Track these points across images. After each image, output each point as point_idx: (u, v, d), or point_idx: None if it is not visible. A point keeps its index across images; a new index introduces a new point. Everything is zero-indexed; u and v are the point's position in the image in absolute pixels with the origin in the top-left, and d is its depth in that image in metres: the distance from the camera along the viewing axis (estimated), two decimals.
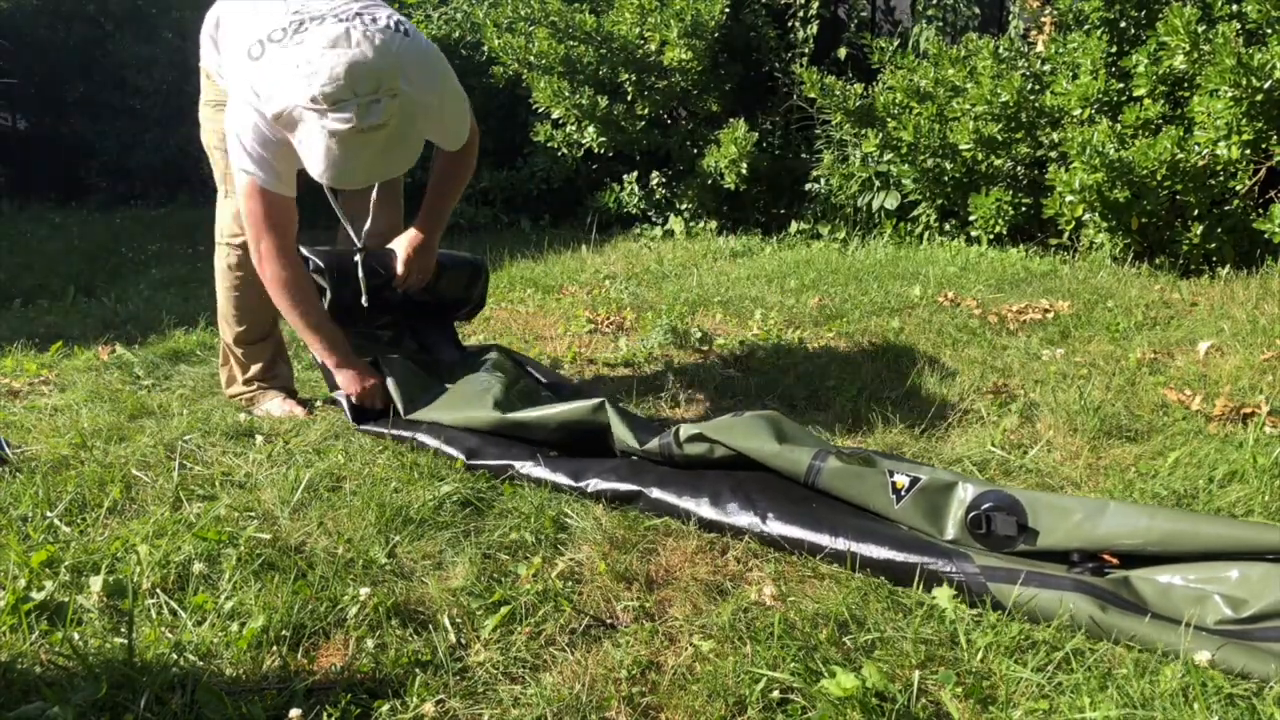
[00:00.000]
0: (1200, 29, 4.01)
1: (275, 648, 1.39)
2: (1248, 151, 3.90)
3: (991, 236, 4.85)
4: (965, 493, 1.71)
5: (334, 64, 1.91)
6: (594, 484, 1.94)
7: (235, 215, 2.36)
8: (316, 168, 1.99)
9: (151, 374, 2.94)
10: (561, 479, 1.97)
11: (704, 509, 1.81)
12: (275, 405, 2.55)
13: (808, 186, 5.70)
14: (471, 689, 1.32)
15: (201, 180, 7.91)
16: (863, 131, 5.20)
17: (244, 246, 2.33)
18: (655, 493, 1.87)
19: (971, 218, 4.85)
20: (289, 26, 2.06)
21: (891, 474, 1.77)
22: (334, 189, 2.29)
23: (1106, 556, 1.57)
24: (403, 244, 2.54)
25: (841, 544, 1.64)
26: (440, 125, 2.30)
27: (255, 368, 2.59)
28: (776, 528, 1.72)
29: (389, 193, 2.69)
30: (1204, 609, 1.43)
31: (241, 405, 2.58)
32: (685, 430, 1.97)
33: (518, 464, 2.03)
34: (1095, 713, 1.22)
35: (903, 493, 1.74)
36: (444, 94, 2.22)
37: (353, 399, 2.35)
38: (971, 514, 1.67)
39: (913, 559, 1.58)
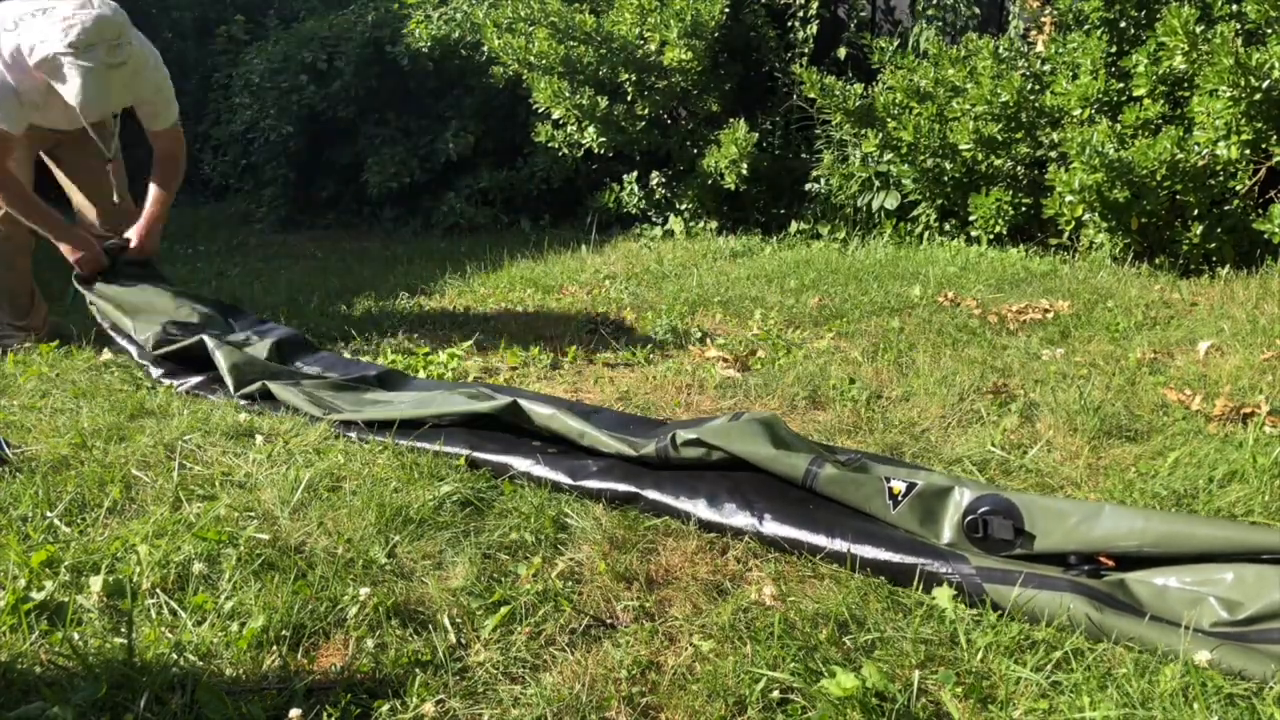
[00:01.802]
0: (1199, 29, 4.01)
1: (275, 648, 1.39)
2: (1247, 151, 3.90)
3: (991, 236, 4.85)
4: (962, 496, 1.71)
5: (84, 19, 2.67)
6: (592, 484, 1.94)
7: None
8: (75, 98, 2.70)
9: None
10: (560, 478, 1.98)
11: (701, 509, 1.81)
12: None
13: (808, 186, 5.70)
14: (471, 689, 1.32)
15: (202, 180, 7.92)
16: (862, 131, 5.20)
17: None
18: (652, 494, 1.87)
19: (971, 218, 4.85)
20: (37, 10, 2.77)
21: (888, 480, 1.77)
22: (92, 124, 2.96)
23: (1103, 559, 1.58)
24: (139, 225, 3.26)
25: (839, 544, 1.64)
26: (156, 87, 3.06)
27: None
28: (772, 528, 1.72)
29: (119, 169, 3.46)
30: (1200, 611, 1.43)
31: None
32: (682, 435, 1.97)
33: (517, 462, 2.04)
34: (1095, 712, 1.22)
35: (899, 498, 1.74)
36: (157, 60, 3.06)
37: (77, 267, 3.06)
38: (968, 518, 1.67)
39: (909, 560, 1.58)
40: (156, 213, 3.23)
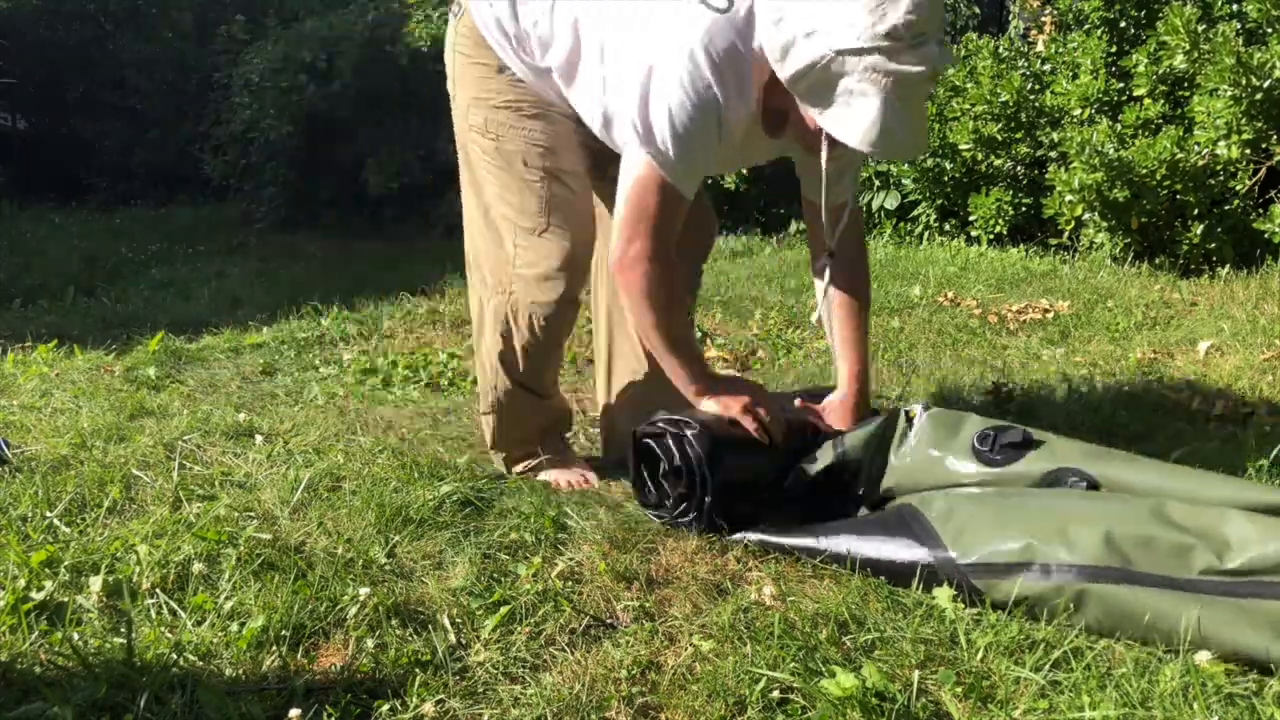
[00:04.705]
0: (1200, 28, 4.01)
1: (275, 648, 1.39)
2: (1247, 151, 3.90)
3: (991, 236, 4.85)
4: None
5: None
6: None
7: (556, 252, 1.88)
8: (861, 132, 1.51)
9: (155, 373, 2.95)
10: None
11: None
12: (562, 474, 2.09)
13: None
14: (471, 689, 1.32)
15: (202, 180, 7.92)
16: None
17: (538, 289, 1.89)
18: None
19: (971, 218, 4.85)
20: None
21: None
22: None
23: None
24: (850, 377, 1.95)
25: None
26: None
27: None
28: None
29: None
30: (1190, 559, 1.38)
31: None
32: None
33: None
34: (1095, 712, 1.22)
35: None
36: None
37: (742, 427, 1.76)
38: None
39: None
40: (864, 360, 1.96)
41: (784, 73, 1.56)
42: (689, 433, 1.72)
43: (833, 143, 1.60)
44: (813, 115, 1.58)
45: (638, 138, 1.64)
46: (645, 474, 1.81)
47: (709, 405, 1.78)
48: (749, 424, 1.76)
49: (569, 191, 1.91)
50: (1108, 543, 1.41)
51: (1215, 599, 1.34)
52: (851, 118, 1.52)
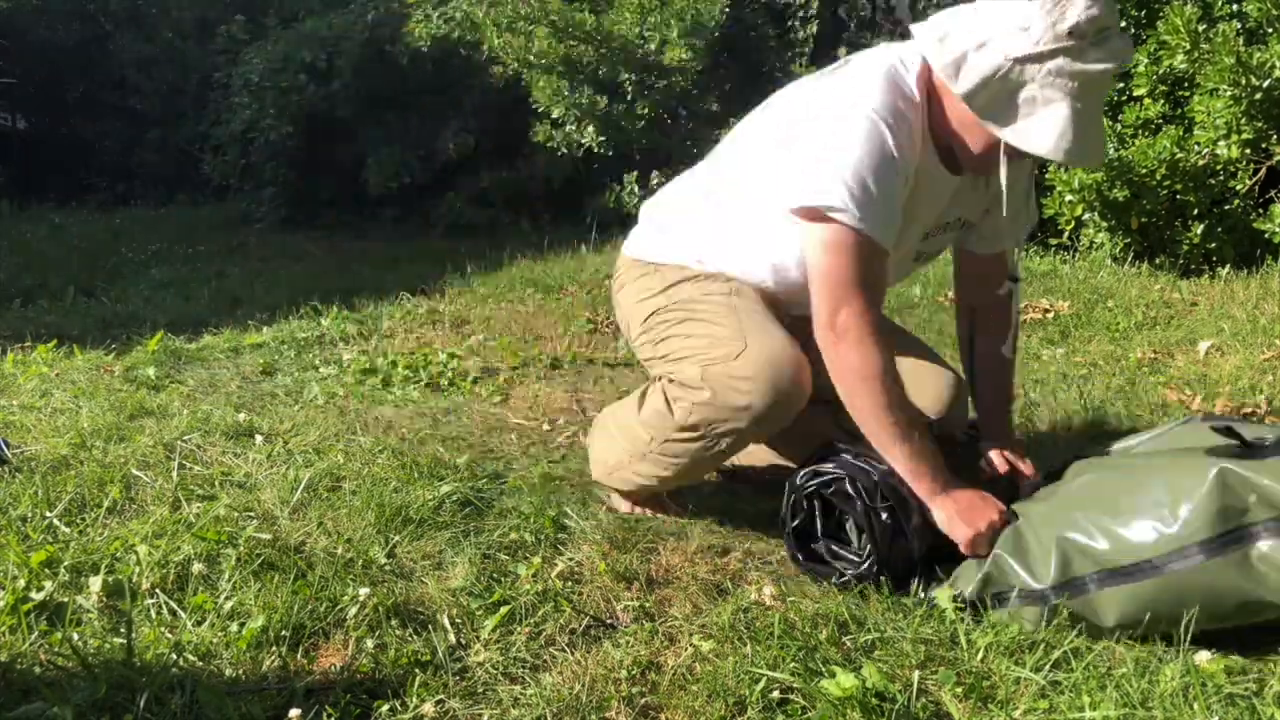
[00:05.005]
0: (1200, 28, 4.01)
1: (275, 648, 1.39)
2: (1247, 151, 3.90)
3: None
4: None
5: None
6: None
7: (750, 357, 1.62)
8: (1053, 142, 1.43)
9: (155, 373, 2.94)
10: None
11: None
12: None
13: None
14: (471, 689, 1.32)
15: (202, 180, 7.92)
16: None
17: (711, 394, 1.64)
18: None
19: None
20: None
21: None
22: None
23: None
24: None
25: None
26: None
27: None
28: None
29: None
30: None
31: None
32: None
33: None
34: (1095, 712, 1.22)
35: None
36: None
37: (961, 546, 1.53)
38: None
39: None
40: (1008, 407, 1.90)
41: (959, 89, 1.46)
42: (881, 507, 1.55)
43: (1011, 156, 1.51)
44: (993, 130, 1.47)
45: (823, 198, 1.50)
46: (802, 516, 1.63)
47: (941, 508, 1.54)
48: (972, 548, 1.52)
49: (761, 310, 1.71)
50: None
51: None
52: (1039, 128, 1.43)
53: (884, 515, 1.55)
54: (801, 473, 1.64)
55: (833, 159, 1.51)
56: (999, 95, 1.44)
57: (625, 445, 1.83)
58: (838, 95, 1.58)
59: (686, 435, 1.70)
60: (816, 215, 1.53)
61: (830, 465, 1.61)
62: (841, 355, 1.54)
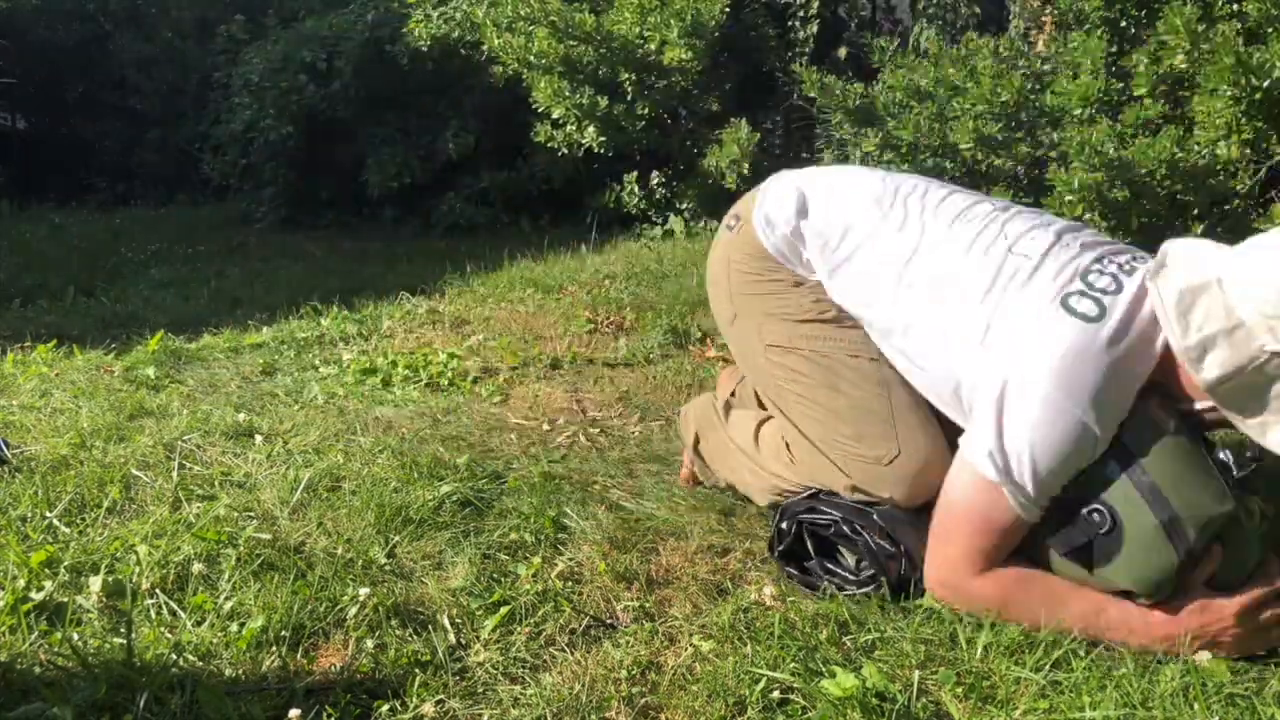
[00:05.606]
0: (1200, 28, 4.01)
1: (275, 648, 1.39)
2: (1248, 151, 3.90)
3: None
4: None
5: None
6: None
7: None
8: None
9: (155, 373, 2.94)
10: None
11: None
12: None
13: None
14: (471, 689, 1.32)
15: (202, 180, 7.91)
16: (862, 131, 5.20)
17: None
18: None
19: None
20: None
21: None
22: None
23: None
24: None
25: None
26: None
27: None
28: None
29: None
30: None
31: None
32: None
33: None
34: (1095, 712, 1.22)
35: None
36: None
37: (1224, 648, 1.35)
38: None
39: None
40: None
41: (1201, 376, 1.29)
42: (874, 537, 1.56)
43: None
44: (1234, 419, 1.32)
45: (995, 469, 1.37)
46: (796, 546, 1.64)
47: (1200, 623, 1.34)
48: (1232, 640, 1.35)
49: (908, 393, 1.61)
50: None
51: None
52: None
53: (887, 545, 1.55)
54: (790, 512, 1.64)
55: (1030, 439, 1.36)
56: (1247, 387, 1.28)
57: (748, 474, 1.82)
58: (1059, 371, 1.35)
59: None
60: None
61: (825, 509, 1.61)
62: (968, 602, 1.46)
